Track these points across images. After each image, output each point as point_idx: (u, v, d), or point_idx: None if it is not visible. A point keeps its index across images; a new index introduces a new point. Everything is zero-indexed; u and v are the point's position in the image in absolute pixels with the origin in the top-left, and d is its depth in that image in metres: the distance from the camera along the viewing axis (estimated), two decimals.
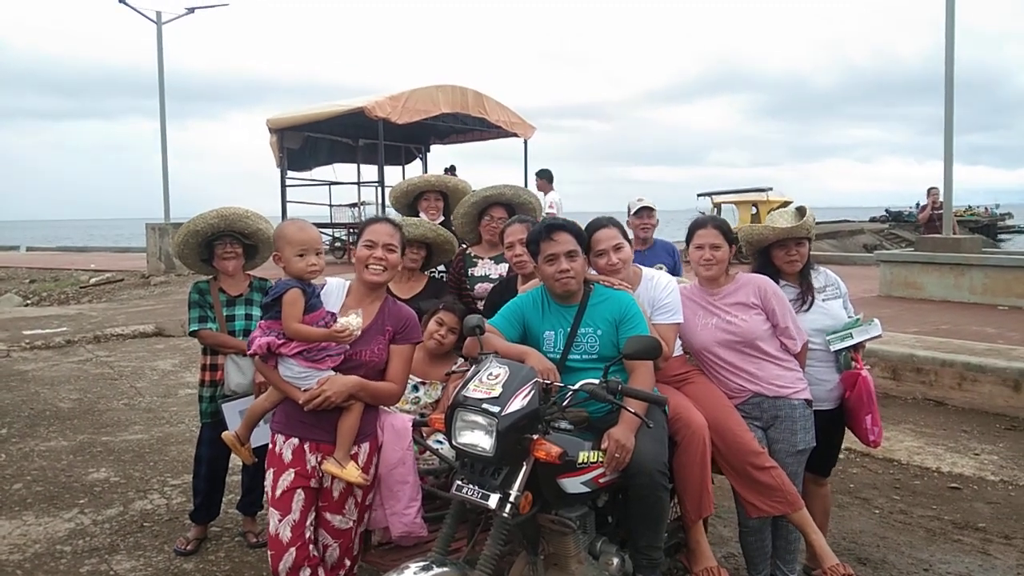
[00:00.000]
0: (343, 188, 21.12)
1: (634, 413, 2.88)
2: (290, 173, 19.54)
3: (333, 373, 3.03)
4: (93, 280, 18.69)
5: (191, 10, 20.95)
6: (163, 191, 20.57)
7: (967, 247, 12.80)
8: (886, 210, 43.28)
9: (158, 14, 20.66)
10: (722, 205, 24.79)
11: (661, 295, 3.55)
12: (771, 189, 24.77)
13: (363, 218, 18.65)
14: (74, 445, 6.33)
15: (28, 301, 17.33)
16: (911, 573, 4.21)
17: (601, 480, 2.97)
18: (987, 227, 40.51)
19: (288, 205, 19.44)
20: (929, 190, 16.02)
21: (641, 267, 3.74)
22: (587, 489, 2.94)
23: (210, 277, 4.37)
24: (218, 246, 4.22)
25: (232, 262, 4.24)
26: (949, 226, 13.58)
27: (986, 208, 47.31)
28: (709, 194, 25.44)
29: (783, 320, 3.62)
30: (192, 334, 4.28)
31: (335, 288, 3.20)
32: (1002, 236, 43.20)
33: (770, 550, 3.71)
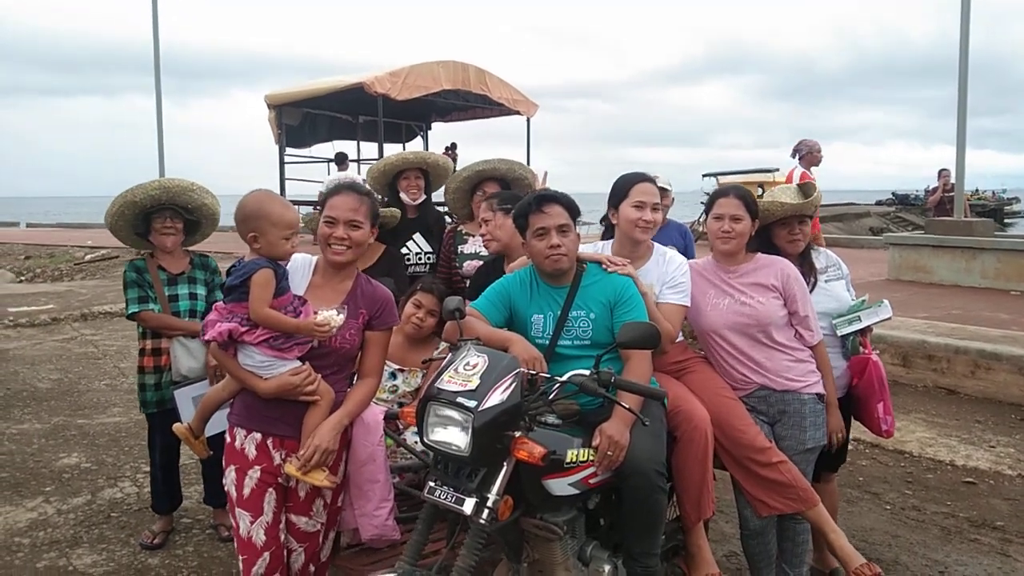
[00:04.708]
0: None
1: (628, 409, 2.58)
2: (289, 150, 19.20)
3: (298, 363, 2.72)
4: (88, 257, 18.40)
5: None
6: (159, 168, 20.26)
7: (979, 230, 12.46)
8: (893, 193, 42.82)
9: None
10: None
11: (674, 273, 3.25)
12: (777, 170, 24.32)
13: None
14: (47, 428, 6.08)
15: (22, 278, 17.07)
16: (925, 575, 3.94)
17: (592, 481, 2.68)
18: (994, 211, 40.09)
19: (287, 182, 19.11)
20: (940, 172, 15.70)
21: (653, 242, 3.44)
22: (576, 491, 2.65)
23: (147, 253, 4.05)
24: (156, 219, 3.90)
25: (171, 238, 3.93)
26: (961, 209, 13.23)
27: (993, 192, 46.85)
28: (715, 174, 25.03)
29: (803, 308, 3.33)
30: (131, 317, 3.94)
31: (300, 265, 2.89)
32: (1008, 220, 42.78)
33: (775, 552, 3.44)
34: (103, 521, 4.43)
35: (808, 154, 9.73)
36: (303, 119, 19.26)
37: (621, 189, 3.32)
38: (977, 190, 44.56)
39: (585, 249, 3.36)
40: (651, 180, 3.34)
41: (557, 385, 2.60)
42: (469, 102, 19.08)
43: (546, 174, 4.87)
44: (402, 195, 4.67)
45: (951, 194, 13.96)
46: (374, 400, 3.25)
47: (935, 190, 16.23)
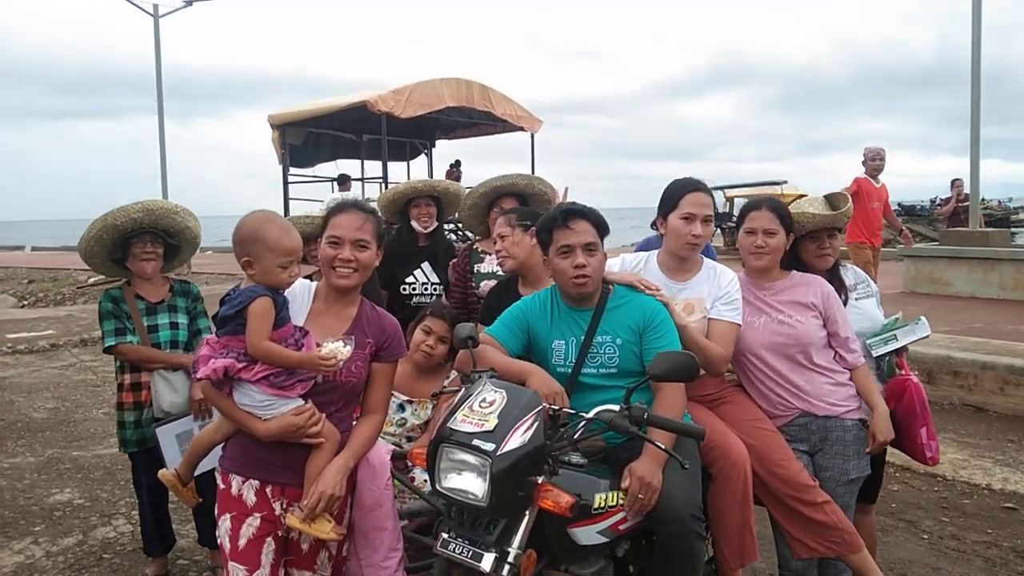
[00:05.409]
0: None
1: (664, 449, 2.33)
2: (293, 170, 19.02)
3: (301, 401, 2.47)
4: (91, 280, 18.21)
5: (189, 2, 20.42)
6: (161, 189, 20.14)
7: (996, 240, 12.19)
8: (899, 204, 42.55)
9: (155, 7, 20.18)
10: (735, 199, 24.10)
11: (728, 288, 3.02)
12: (786, 182, 24.07)
13: None
14: (41, 462, 5.83)
15: (24, 302, 16.87)
16: None
17: (622, 527, 2.44)
18: (1001, 220, 39.72)
19: (290, 202, 18.93)
20: (953, 182, 15.49)
21: (702, 255, 3.20)
22: (605, 539, 2.41)
23: (123, 282, 3.80)
24: (136, 244, 3.64)
25: (152, 263, 3.68)
26: (976, 219, 12.98)
27: (999, 201, 46.51)
28: (722, 188, 24.77)
29: (844, 329, 3.11)
30: (108, 350, 3.67)
31: (300, 291, 2.64)
32: (1015, 229, 42.40)
33: None
34: (94, 564, 4.16)
35: (866, 162, 9.26)
36: (306, 139, 19.06)
37: (671, 198, 3.06)
38: (984, 199, 44.19)
39: (626, 259, 3.12)
40: (703, 188, 3.07)
41: (583, 423, 2.35)
42: (473, 119, 18.87)
43: (567, 190, 4.65)
44: (413, 223, 4.54)
45: (965, 204, 13.72)
46: (381, 435, 3.00)
47: (947, 200, 16.01)
